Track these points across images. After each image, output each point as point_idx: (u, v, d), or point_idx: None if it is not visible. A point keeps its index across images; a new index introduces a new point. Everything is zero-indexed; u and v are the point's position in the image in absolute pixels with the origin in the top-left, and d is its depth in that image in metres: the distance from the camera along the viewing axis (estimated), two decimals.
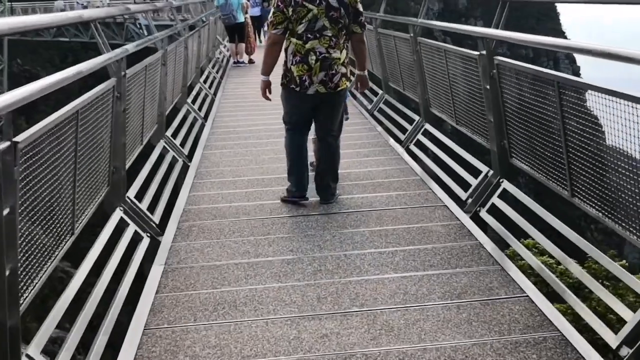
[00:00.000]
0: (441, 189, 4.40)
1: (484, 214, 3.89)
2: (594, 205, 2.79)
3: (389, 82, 7.36)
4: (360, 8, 3.93)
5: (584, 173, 2.84)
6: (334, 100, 4.00)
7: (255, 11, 13.45)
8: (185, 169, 5.40)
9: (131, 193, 3.96)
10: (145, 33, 35.10)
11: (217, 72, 11.57)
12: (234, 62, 12.94)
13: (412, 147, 5.67)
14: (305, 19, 3.80)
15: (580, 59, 54.79)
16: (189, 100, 7.72)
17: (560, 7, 74.26)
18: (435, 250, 3.40)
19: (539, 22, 58.62)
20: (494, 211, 3.84)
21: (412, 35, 5.58)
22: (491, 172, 4.07)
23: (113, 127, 3.59)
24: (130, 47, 3.86)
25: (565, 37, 44.07)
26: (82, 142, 2.94)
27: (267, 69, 4.06)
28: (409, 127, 6.01)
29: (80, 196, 2.94)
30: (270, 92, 4.17)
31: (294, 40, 3.86)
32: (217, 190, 4.67)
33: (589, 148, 2.79)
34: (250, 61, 12.85)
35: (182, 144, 6.06)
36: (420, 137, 5.64)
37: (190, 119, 7.09)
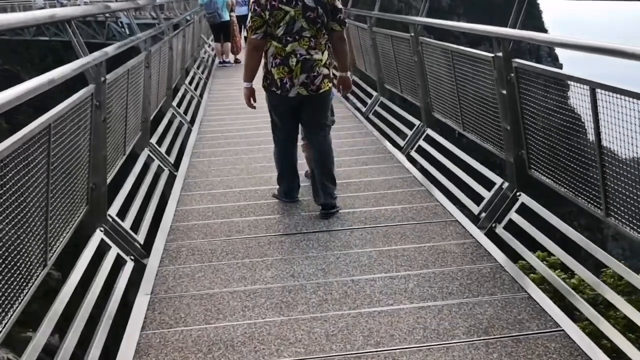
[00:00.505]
0: (450, 202, 4.08)
1: (500, 231, 3.57)
2: (634, 226, 2.49)
3: (384, 84, 7.02)
4: (339, 5, 3.77)
5: (622, 190, 2.54)
6: (316, 102, 3.86)
7: (243, 10, 13.04)
8: (171, 180, 5.02)
9: (113, 211, 3.59)
10: (128, 32, 34.48)
11: (202, 73, 11.17)
12: (220, 62, 12.56)
13: (414, 154, 5.38)
14: (283, 21, 3.67)
15: (562, 55, 55.08)
16: (174, 103, 7.33)
17: (543, 5, 74.89)
18: (452, 274, 3.07)
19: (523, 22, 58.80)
20: (511, 227, 3.53)
21: (412, 34, 5.25)
22: (506, 184, 3.77)
23: (92, 140, 3.22)
24: (111, 50, 3.49)
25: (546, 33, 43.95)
26: (55, 159, 2.58)
27: (249, 76, 3.93)
28: (409, 132, 5.69)
29: (54, 221, 2.60)
30: (255, 100, 4.01)
31: (274, 43, 3.74)
32: (207, 204, 4.31)
33: (630, 162, 2.48)
34: (237, 61, 12.47)
35: (168, 152, 5.68)
36: (421, 143, 5.32)
37: (175, 123, 6.71)
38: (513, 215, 3.55)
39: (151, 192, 4.58)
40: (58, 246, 2.67)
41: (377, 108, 7.06)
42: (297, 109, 3.90)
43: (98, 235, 3.24)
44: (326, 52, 3.83)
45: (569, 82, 2.87)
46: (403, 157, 5.28)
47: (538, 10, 70.84)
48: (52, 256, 2.56)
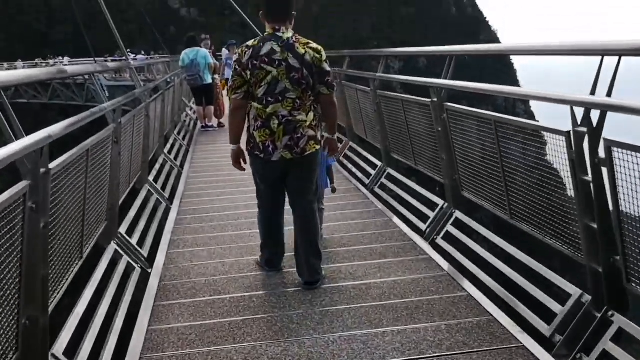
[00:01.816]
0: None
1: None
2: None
3: (391, 154, 6.21)
4: (326, 67, 3.56)
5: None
6: (302, 166, 3.62)
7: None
8: (144, 279, 4.04)
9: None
10: (107, 94, 34.04)
11: (183, 139, 10.29)
12: (202, 127, 11.75)
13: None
14: (264, 81, 3.47)
15: (538, 111, 56.59)
16: (151, 177, 6.40)
17: (517, 63, 77.00)
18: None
19: (498, 77, 60.13)
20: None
21: (435, 99, 4.45)
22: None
23: (24, 259, 2.25)
24: (57, 130, 2.56)
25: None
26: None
27: (235, 137, 3.71)
28: (430, 212, 4.81)
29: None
30: (245, 162, 3.77)
31: (255, 104, 3.54)
32: (188, 321, 3.31)
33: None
34: (220, 125, 11.68)
35: (141, 242, 4.70)
36: (450, 227, 4.42)
37: (152, 202, 5.75)
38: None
39: (118, 299, 3.60)
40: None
41: (383, 180, 6.20)
42: (282, 174, 3.65)
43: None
44: (312, 113, 3.59)
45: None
46: (427, 245, 4.37)
47: (513, 70, 73.25)
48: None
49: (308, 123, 3.55)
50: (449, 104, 4.30)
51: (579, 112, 2.70)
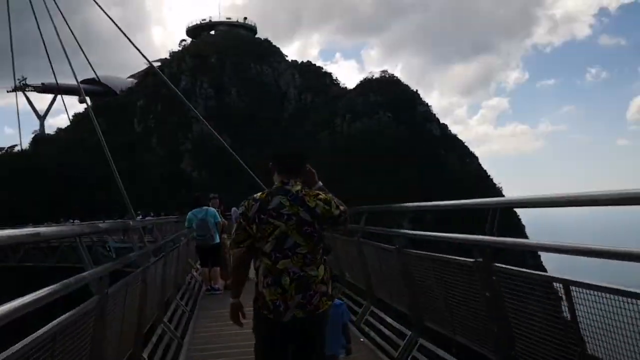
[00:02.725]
0: None
1: None
2: None
3: (423, 321, 5.38)
4: (336, 212, 3.38)
5: None
6: (313, 327, 3.35)
7: None
8: None
9: None
10: (114, 255, 33.53)
11: (186, 304, 9.45)
12: (207, 289, 10.93)
13: None
14: (272, 236, 3.30)
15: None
16: (146, 354, 5.53)
17: (525, 219, 77.21)
18: None
19: (505, 233, 59.71)
20: None
21: (480, 259, 3.78)
22: None
23: None
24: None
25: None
26: None
27: (236, 291, 3.56)
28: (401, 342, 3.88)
29: None
30: (244, 317, 3.52)
31: (264, 260, 3.33)
32: None
33: None
34: (227, 287, 10.87)
35: None
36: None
37: None
38: None
39: None
40: None
41: (415, 353, 5.31)
42: (290, 339, 3.34)
43: None
44: (322, 267, 3.39)
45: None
46: None
47: (522, 226, 73.19)
48: None
49: (320, 278, 3.35)
50: (498, 264, 3.67)
51: None
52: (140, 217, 34.21)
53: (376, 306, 7.08)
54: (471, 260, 3.87)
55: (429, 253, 4.82)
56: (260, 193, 3.45)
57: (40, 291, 2.48)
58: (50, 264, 33.52)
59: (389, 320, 6.43)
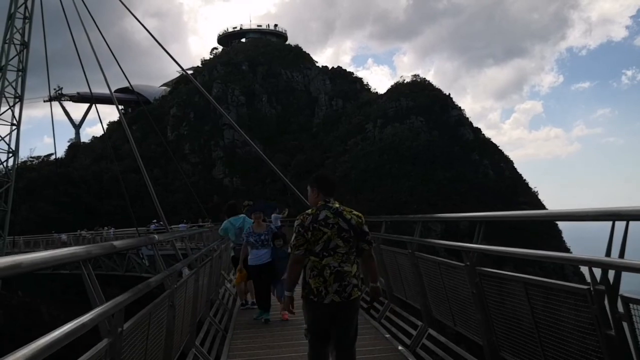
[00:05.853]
0: None
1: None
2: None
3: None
4: (366, 229, 4.52)
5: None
6: (348, 308, 4.37)
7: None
8: None
9: None
10: (147, 263, 33.17)
11: (219, 322, 8.70)
12: (242, 304, 10.15)
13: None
14: (321, 240, 4.37)
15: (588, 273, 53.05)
16: None
17: (562, 224, 74.39)
18: None
19: (542, 239, 57.54)
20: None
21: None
22: None
23: None
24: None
25: (570, 252, 41.73)
26: None
27: (291, 285, 4.53)
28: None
29: None
30: (293, 307, 4.57)
31: (312, 257, 4.38)
32: None
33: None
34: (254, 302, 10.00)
35: None
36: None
37: None
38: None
39: None
40: None
41: (425, 341, 6.17)
42: (330, 317, 4.38)
43: None
44: (355, 265, 4.43)
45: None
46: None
47: (557, 230, 70.61)
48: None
49: (352, 273, 4.40)
50: (481, 267, 4.57)
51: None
52: (154, 226, 33.91)
53: (395, 303, 8.13)
54: (462, 264, 4.90)
55: (433, 257, 6.03)
56: (311, 210, 4.51)
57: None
58: (119, 272, 34.09)
59: (404, 314, 7.55)
